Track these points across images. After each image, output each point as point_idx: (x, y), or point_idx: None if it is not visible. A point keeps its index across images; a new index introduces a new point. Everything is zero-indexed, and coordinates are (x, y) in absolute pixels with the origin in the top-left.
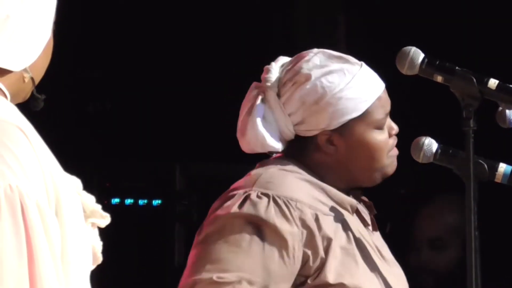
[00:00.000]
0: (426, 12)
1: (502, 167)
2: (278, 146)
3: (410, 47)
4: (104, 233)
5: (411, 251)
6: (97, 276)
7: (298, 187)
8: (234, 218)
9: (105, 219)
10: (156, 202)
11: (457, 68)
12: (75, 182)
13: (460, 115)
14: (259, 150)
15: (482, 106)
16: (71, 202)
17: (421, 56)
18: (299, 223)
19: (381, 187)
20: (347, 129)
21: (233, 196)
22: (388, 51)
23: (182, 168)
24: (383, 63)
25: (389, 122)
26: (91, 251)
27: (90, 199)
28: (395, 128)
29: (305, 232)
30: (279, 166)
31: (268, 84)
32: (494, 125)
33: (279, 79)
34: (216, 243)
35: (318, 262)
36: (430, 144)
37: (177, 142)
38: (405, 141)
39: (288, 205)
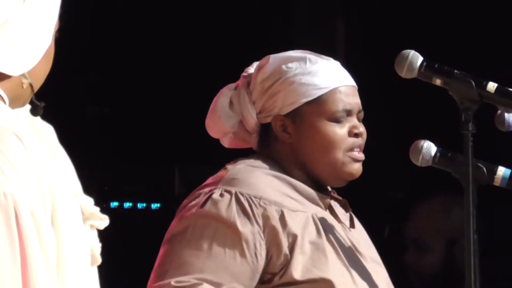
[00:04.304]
0: (424, 16)
1: (501, 170)
2: (228, 127)
3: (408, 50)
4: (102, 236)
5: (399, 251)
6: None
7: (265, 182)
8: (196, 218)
9: (103, 221)
10: (155, 206)
11: (455, 71)
12: (74, 185)
13: (459, 119)
14: (216, 132)
15: (481, 109)
16: (68, 207)
17: (419, 59)
18: (261, 221)
19: (379, 191)
20: (299, 115)
21: (199, 195)
22: (386, 55)
23: (181, 172)
24: (382, 67)
25: (353, 121)
26: (90, 253)
27: (89, 201)
28: (360, 129)
29: (267, 229)
30: (247, 162)
31: (245, 74)
32: (493, 129)
33: None
34: (179, 245)
35: (282, 259)
36: (429, 147)
37: (176, 146)
38: (403, 145)
39: (251, 202)
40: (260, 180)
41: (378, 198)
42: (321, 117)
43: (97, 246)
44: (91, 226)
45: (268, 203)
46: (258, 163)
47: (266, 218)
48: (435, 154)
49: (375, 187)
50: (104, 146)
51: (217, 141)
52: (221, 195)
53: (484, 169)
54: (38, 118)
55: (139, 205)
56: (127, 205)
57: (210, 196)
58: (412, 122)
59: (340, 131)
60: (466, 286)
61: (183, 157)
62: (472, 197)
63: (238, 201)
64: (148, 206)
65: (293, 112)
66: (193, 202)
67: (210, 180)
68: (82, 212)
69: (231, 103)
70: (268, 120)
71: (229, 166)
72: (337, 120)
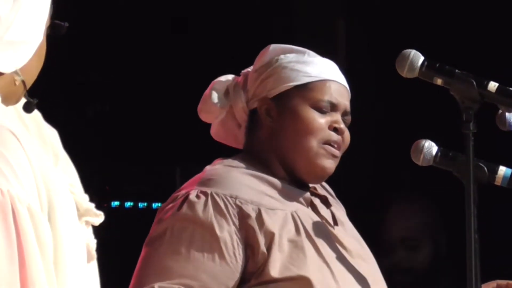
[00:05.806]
0: (425, 16)
1: (502, 170)
2: (217, 107)
3: (410, 50)
4: (103, 235)
5: (384, 252)
6: None
7: (241, 182)
8: (173, 221)
9: (99, 217)
10: (156, 205)
11: (456, 70)
12: (69, 181)
13: (460, 118)
14: (206, 115)
15: (481, 109)
16: (64, 203)
17: (420, 59)
18: (237, 221)
19: (380, 189)
20: (284, 99)
21: (176, 197)
22: (387, 55)
23: (182, 171)
24: (382, 66)
25: (336, 117)
26: (86, 249)
27: (84, 198)
28: (341, 126)
29: (244, 228)
30: (225, 162)
31: (249, 69)
32: (494, 128)
33: None
34: (158, 250)
35: (260, 257)
36: (430, 147)
37: (177, 145)
38: (405, 144)
39: (227, 202)
40: (236, 179)
41: (377, 197)
42: (304, 103)
43: (92, 242)
44: (87, 222)
45: (244, 202)
46: (236, 163)
47: (242, 217)
48: (436, 153)
49: (375, 186)
50: (105, 145)
51: (218, 141)
52: (197, 196)
53: (485, 168)
54: (43, 122)
55: (140, 205)
56: (128, 204)
57: (186, 198)
58: (413, 121)
59: (320, 119)
60: (467, 286)
61: (184, 157)
62: (473, 197)
63: (214, 202)
64: (149, 206)
65: (279, 95)
66: (171, 205)
67: (188, 182)
68: (78, 208)
69: (226, 91)
70: (256, 105)
71: (208, 167)
72: (320, 110)
